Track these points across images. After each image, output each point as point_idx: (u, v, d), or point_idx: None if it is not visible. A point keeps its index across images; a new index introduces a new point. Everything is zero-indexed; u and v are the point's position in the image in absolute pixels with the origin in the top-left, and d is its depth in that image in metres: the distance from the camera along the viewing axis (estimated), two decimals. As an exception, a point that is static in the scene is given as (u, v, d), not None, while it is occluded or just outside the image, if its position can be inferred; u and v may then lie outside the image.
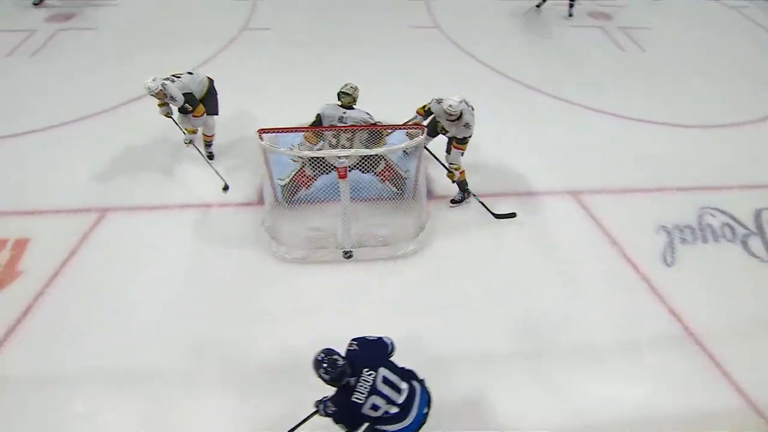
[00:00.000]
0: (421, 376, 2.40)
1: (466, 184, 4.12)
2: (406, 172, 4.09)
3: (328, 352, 2.15)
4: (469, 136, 3.73)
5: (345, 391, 2.15)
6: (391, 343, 2.42)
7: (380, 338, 2.39)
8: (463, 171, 4.03)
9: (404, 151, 4.02)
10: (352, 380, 2.14)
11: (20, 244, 3.78)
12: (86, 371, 3.06)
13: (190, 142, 4.41)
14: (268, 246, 3.75)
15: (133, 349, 3.15)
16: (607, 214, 4.17)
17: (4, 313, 3.34)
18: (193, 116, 4.17)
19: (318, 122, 3.79)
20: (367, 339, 2.34)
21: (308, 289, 3.53)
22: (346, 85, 3.83)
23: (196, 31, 6.49)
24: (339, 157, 3.22)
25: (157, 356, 3.12)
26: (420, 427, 2.25)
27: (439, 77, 5.49)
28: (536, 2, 7.17)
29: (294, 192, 3.89)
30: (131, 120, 5.02)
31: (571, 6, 7.05)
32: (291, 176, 3.89)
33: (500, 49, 6.31)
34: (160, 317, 3.34)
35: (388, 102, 4.44)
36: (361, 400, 2.12)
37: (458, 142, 3.77)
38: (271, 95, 5.28)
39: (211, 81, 4.26)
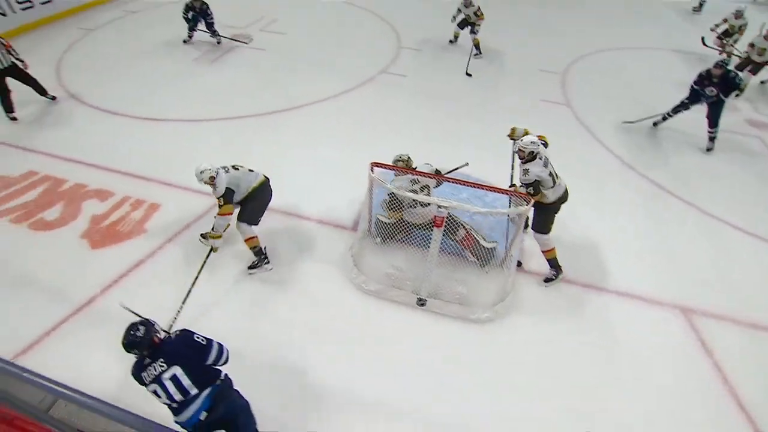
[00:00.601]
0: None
1: (557, 263, 3.87)
2: (491, 243, 3.92)
3: (144, 323, 2.32)
4: (532, 187, 3.43)
5: (139, 363, 2.33)
6: (220, 352, 2.45)
7: (210, 342, 2.43)
8: (554, 249, 3.81)
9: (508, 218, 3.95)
10: (148, 360, 2.29)
11: (153, 208, 4.47)
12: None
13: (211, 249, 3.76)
14: (349, 271, 3.86)
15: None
16: (723, 346, 3.54)
17: (125, 258, 3.94)
18: (218, 214, 3.60)
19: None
20: (193, 337, 2.40)
21: (373, 323, 3.54)
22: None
23: (342, 66, 7.29)
24: (439, 207, 3.26)
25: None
26: (194, 427, 2.32)
27: (563, 154, 5.34)
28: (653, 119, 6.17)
29: (390, 235, 3.99)
30: (271, 127, 5.75)
31: (711, 140, 5.77)
32: (390, 218, 3.98)
33: (630, 142, 5.92)
34: (239, 306, 3.60)
35: (500, 169, 4.42)
36: (145, 380, 2.30)
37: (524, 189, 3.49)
38: (393, 135, 5.63)
39: (263, 183, 3.80)
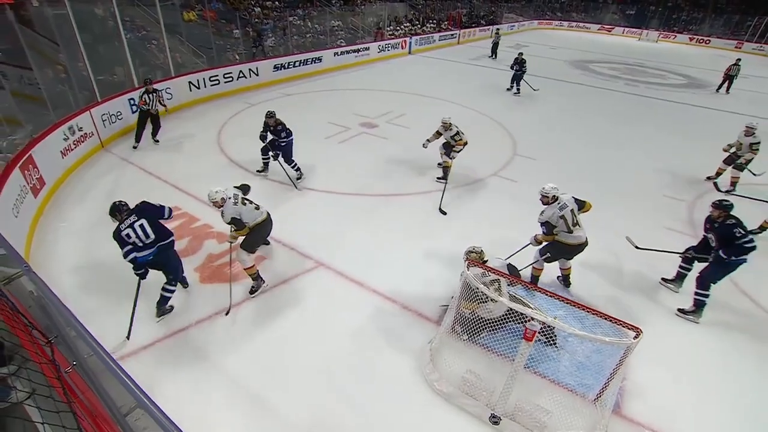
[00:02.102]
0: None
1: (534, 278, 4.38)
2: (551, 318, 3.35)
3: (124, 203, 3.89)
4: (545, 227, 4.16)
5: (117, 228, 3.73)
6: (170, 211, 4.00)
7: (163, 206, 3.96)
8: (541, 270, 4.40)
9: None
10: (124, 215, 3.78)
11: (259, 259, 4.90)
12: (243, 374, 3.51)
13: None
14: (424, 365, 3.69)
15: (264, 392, 3.46)
16: None
17: (222, 299, 4.29)
18: (236, 231, 4.20)
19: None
20: (153, 205, 3.93)
21: (437, 428, 3.24)
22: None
23: (455, 164, 7.63)
24: (532, 319, 3.05)
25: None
26: (155, 256, 3.81)
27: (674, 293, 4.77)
28: None
29: (476, 331, 3.81)
30: (376, 208, 6.13)
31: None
32: (465, 308, 3.84)
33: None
34: (306, 363, 3.62)
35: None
36: (122, 228, 3.71)
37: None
38: (496, 234, 5.60)
39: (265, 220, 4.30)
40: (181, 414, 3.04)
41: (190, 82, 10.27)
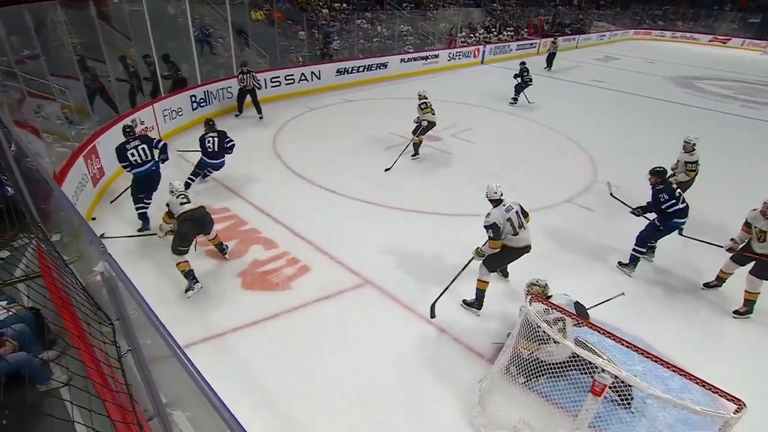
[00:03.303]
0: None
1: (482, 296, 4.55)
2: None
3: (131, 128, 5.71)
4: (492, 230, 4.26)
5: (123, 145, 5.42)
6: (164, 145, 5.76)
7: (159, 140, 5.74)
8: (487, 283, 4.55)
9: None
10: (132, 143, 5.43)
11: (304, 269, 5.07)
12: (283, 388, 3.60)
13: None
14: (471, 406, 3.57)
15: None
16: None
17: (263, 307, 4.46)
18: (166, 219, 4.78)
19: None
20: (150, 136, 5.75)
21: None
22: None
23: (523, 187, 7.43)
24: (602, 371, 2.86)
25: None
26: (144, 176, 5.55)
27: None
28: None
29: (535, 375, 3.64)
30: (433, 227, 6.13)
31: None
32: (525, 348, 3.68)
33: None
34: (345, 390, 3.64)
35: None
36: (128, 148, 5.40)
37: None
38: (565, 265, 5.37)
39: (191, 210, 4.65)
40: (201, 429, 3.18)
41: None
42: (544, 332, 3.19)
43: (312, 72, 12.46)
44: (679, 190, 5.06)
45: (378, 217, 6.33)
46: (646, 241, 5.33)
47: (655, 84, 16.94)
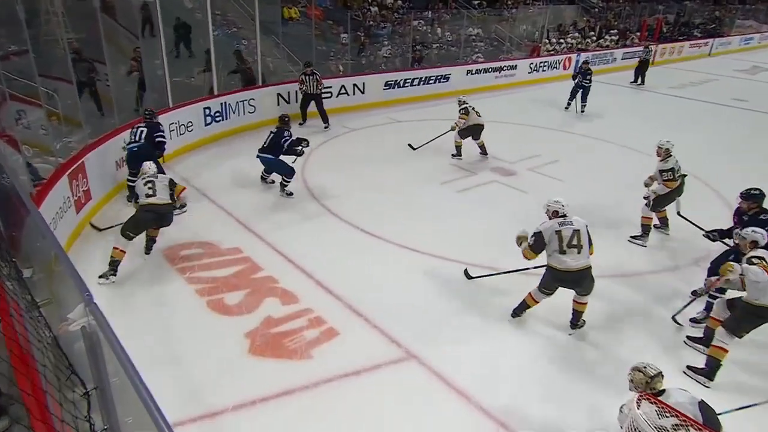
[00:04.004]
0: None
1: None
2: None
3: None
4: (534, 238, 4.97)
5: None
6: (159, 142, 7.59)
7: (161, 132, 7.72)
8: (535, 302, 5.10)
9: None
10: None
11: (330, 333, 5.06)
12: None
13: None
14: None
15: None
16: None
17: (275, 381, 4.45)
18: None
19: None
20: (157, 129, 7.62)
21: None
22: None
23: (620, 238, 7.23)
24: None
25: None
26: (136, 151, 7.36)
27: None
28: None
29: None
30: (515, 287, 5.98)
31: None
32: None
33: None
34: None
35: None
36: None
37: None
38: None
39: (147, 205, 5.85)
40: None
41: (279, 95, 11.56)
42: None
43: (354, 84, 12.95)
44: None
45: (429, 270, 6.28)
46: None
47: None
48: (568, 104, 14.13)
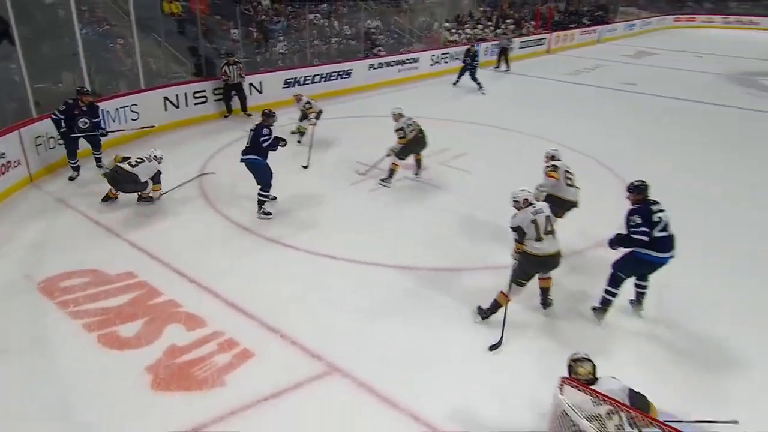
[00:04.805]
0: None
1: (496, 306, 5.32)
2: None
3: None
4: (516, 233, 5.17)
5: None
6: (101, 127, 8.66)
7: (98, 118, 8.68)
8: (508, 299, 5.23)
9: None
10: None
11: (244, 356, 4.79)
12: None
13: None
14: None
15: None
16: None
17: (183, 416, 4.14)
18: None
19: None
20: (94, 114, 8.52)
21: None
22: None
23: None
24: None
25: None
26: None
27: None
28: None
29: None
30: (421, 288, 6.04)
31: None
32: None
33: None
34: None
35: None
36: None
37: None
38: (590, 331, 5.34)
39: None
40: None
41: (166, 98, 10.97)
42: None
43: (251, 84, 12.60)
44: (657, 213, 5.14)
45: (350, 277, 6.20)
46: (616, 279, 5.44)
47: (706, 84, 17.93)
48: (456, 82, 16.19)
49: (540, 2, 25.77)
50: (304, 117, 10.51)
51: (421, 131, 8.73)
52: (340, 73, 14.74)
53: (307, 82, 13.77)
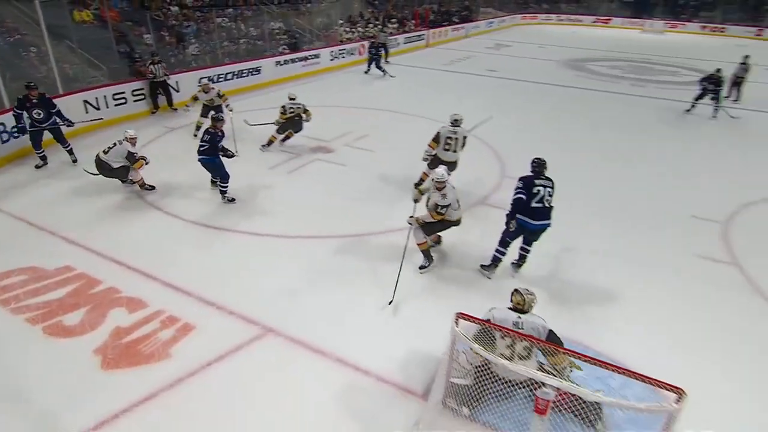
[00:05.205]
0: None
1: (429, 253, 5.76)
2: (596, 392, 3.21)
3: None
4: (445, 209, 5.36)
5: None
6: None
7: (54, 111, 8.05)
8: (426, 243, 5.67)
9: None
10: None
11: (186, 329, 4.63)
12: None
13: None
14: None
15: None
16: None
17: (135, 388, 3.98)
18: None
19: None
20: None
21: None
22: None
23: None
24: (543, 385, 2.97)
25: None
26: None
27: (723, 333, 4.88)
28: None
29: (478, 399, 3.69)
30: (337, 253, 6.05)
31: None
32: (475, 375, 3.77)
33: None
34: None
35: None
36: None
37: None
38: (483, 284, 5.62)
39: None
40: None
41: (86, 102, 10.04)
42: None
43: (168, 84, 11.78)
44: (543, 185, 5.30)
45: (270, 250, 6.11)
46: (503, 241, 5.62)
47: (547, 69, 18.89)
48: (366, 71, 16.65)
49: (417, 4, 25.99)
50: (209, 110, 9.59)
51: (299, 116, 9.08)
52: (250, 70, 14.14)
53: (220, 79, 13.05)
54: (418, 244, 5.65)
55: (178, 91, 11.82)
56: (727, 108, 12.82)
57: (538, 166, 5.44)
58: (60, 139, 8.33)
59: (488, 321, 3.72)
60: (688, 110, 13.11)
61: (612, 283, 5.66)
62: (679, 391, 2.86)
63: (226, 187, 7.17)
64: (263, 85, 14.34)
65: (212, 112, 9.08)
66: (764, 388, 4.35)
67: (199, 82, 10.14)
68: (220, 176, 7.14)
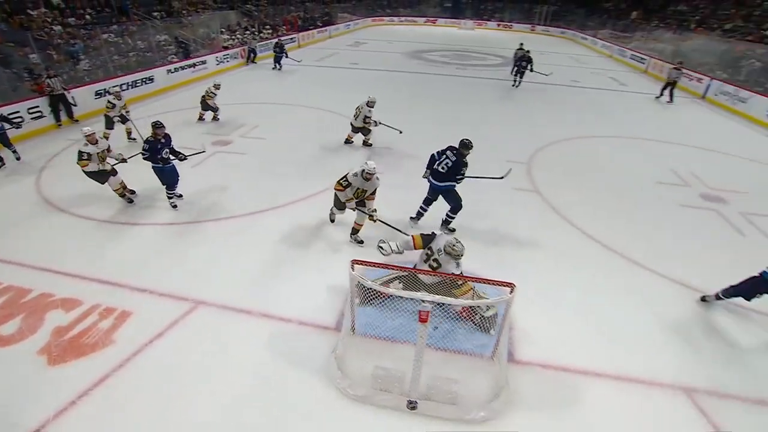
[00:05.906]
0: None
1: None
2: (487, 309, 3.96)
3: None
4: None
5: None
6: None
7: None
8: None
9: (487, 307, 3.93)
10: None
11: (123, 316, 4.17)
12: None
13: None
14: (334, 375, 3.58)
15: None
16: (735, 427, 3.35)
17: (86, 375, 3.55)
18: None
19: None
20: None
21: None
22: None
23: (325, 167, 7.59)
24: (423, 301, 3.17)
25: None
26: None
27: (533, 239, 5.53)
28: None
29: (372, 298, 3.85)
30: (251, 227, 5.72)
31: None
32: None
33: (595, 219, 6.19)
34: (214, 419, 3.22)
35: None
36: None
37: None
38: (374, 229, 5.69)
39: None
40: None
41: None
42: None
43: (66, 98, 9.91)
44: (447, 155, 5.29)
45: (190, 234, 5.60)
46: (426, 198, 5.68)
47: (396, 59, 19.06)
48: (274, 67, 16.24)
49: (286, 12, 24.40)
50: (117, 121, 8.38)
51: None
52: (144, 79, 12.38)
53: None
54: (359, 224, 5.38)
55: (75, 105, 10.03)
56: (538, 72, 14.36)
57: (463, 144, 5.26)
58: (4, 142, 7.49)
59: (378, 263, 3.76)
60: (514, 85, 14.51)
61: (510, 227, 5.89)
62: (511, 285, 3.28)
63: (172, 194, 6.19)
64: (158, 92, 12.72)
65: (118, 119, 8.22)
66: (540, 278, 5.06)
67: (109, 91, 8.95)
68: (171, 182, 6.09)
